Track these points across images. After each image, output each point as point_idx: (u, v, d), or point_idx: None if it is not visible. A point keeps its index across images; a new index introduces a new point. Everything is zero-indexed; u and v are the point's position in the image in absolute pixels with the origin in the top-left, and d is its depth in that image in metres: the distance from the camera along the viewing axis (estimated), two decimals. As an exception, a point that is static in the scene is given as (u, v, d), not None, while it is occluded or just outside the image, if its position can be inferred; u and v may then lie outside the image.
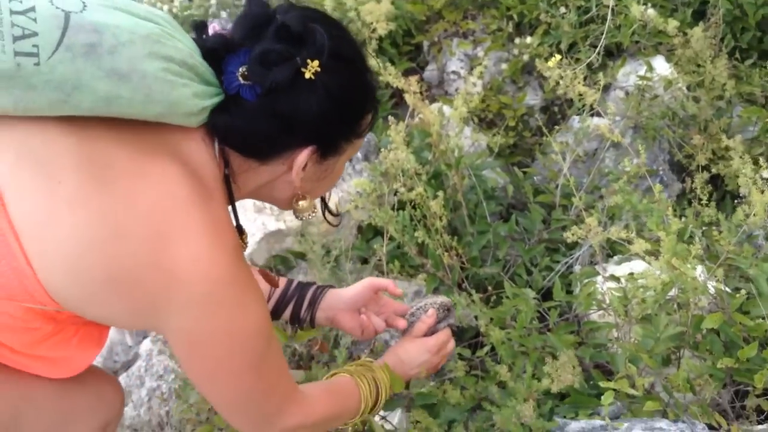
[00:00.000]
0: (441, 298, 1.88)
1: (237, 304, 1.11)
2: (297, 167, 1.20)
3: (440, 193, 2.52)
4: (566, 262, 2.61)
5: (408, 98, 2.67)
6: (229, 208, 1.21)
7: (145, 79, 1.00)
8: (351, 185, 2.69)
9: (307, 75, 1.08)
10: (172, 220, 1.05)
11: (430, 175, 2.69)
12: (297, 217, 1.35)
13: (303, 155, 1.19)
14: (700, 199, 2.22)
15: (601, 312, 2.42)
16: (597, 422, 1.84)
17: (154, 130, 1.08)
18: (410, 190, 2.61)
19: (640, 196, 3.10)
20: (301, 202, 1.31)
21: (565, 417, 1.94)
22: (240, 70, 1.09)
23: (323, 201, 1.44)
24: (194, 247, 1.05)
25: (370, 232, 2.81)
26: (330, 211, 1.46)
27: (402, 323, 1.75)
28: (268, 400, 1.25)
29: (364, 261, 2.68)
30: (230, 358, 1.15)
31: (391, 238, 2.60)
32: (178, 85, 1.04)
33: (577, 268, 2.66)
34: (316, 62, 1.08)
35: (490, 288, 2.58)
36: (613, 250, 2.71)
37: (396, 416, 2.18)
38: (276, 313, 1.68)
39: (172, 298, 1.06)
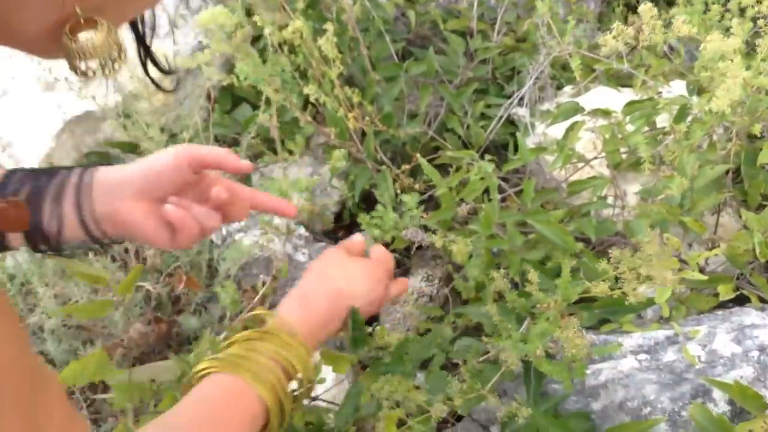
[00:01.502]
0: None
1: None
2: None
3: (329, 27, 1.67)
4: (511, 103, 1.90)
5: None
6: None
7: None
8: (192, 30, 1.77)
9: None
10: None
11: (306, 2, 1.81)
12: (78, 72, 0.61)
13: None
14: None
15: (567, 168, 1.77)
16: (660, 333, 1.20)
17: None
18: (282, 28, 1.73)
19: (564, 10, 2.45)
20: (82, 34, 0.57)
21: (598, 329, 1.30)
22: None
23: (142, 44, 0.70)
24: None
25: (227, 100, 1.93)
26: (157, 64, 0.74)
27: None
28: None
29: (234, 142, 1.82)
30: None
31: (267, 102, 1.74)
32: None
33: (521, 111, 1.98)
34: None
35: (417, 155, 1.82)
36: (559, 80, 2.05)
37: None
38: None
39: None
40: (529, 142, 1.92)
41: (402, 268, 1.83)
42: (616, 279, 1.28)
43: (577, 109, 1.55)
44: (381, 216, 1.56)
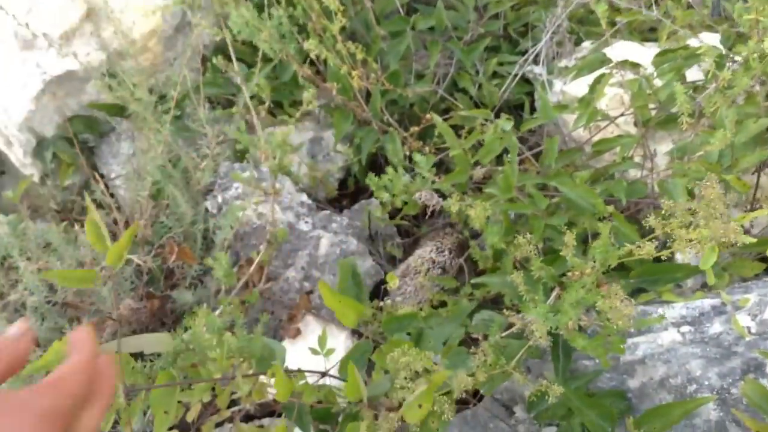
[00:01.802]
0: None
1: None
2: None
3: (330, -24, 1.54)
4: (525, 60, 1.77)
5: None
6: None
7: None
8: (179, -19, 1.62)
9: None
10: None
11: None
12: None
13: None
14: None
15: (589, 129, 1.65)
16: (705, 302, 1.09)
17: None
18: (278, -23, 1.60)
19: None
20: None
21: (632, 297, 1.17)
22: None
23: None
24: None
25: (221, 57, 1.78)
26: None
27: None
28: None
29: (228, 103, 1.69)
30: None
31: (265, 60, 1.61)
32: None
33: (537, 69, 1.84)
34: None
35: (431, 114, 1.70)
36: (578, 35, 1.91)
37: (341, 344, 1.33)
38: None
39: None
40: (552, 99, 1.80)
41: (411, 238, 1.71)
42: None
43: (604, 61, 1.42)
44: (391, 179, 1.44)
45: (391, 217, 1.64)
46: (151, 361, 1.11)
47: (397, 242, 1.65)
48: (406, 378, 0.96)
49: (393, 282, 1.18)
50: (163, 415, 0.93)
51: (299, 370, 1.03)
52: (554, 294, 1.16)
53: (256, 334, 1.08)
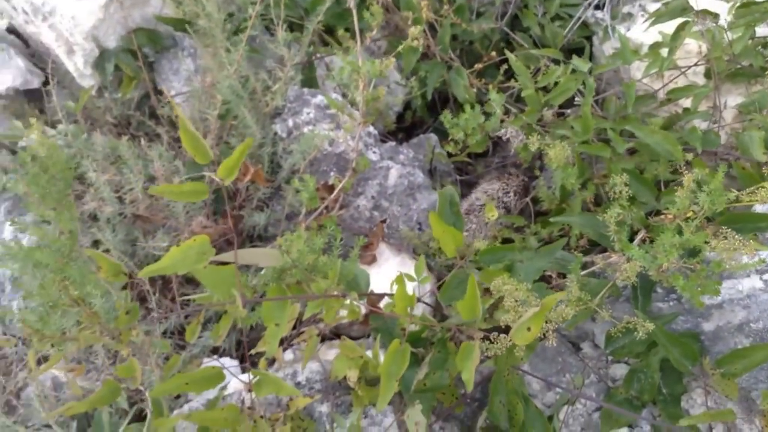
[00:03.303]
0: None
1: None
2: None
3: None
4: (590, 3, 1.76)
5: None
6: None
7: None
8: None
9: None
10: None
11: None
12: None
13: None
14: None
15: (652, 78, 1.65)
16: (791, 253, 1.12)
17: None
18: None
19: None
20: None
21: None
22: None
23: None
24: None
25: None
26: None
27: None
28: None
29: (293, 26, 1.65)
30: None
31: (337, -16, 1.58)
32: None
33: (599, 14, 1.83)
34: None
35: (490, 53, 1.69)
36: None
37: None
38: None
39: None
40: (607, 47, 1.79)
41: (469, 176, 1.72)
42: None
43: (686, 9, 1.41)
44: (468, 117, 1.44)
45: (450, 155, 1.65)
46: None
47: (456, 179, 1.66)
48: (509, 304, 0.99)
49: (492, 213, 1.19)
50: (275, 327, 0.94)
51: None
52: (639, 236, 1.19)
53: (352, 258, 1.10)
